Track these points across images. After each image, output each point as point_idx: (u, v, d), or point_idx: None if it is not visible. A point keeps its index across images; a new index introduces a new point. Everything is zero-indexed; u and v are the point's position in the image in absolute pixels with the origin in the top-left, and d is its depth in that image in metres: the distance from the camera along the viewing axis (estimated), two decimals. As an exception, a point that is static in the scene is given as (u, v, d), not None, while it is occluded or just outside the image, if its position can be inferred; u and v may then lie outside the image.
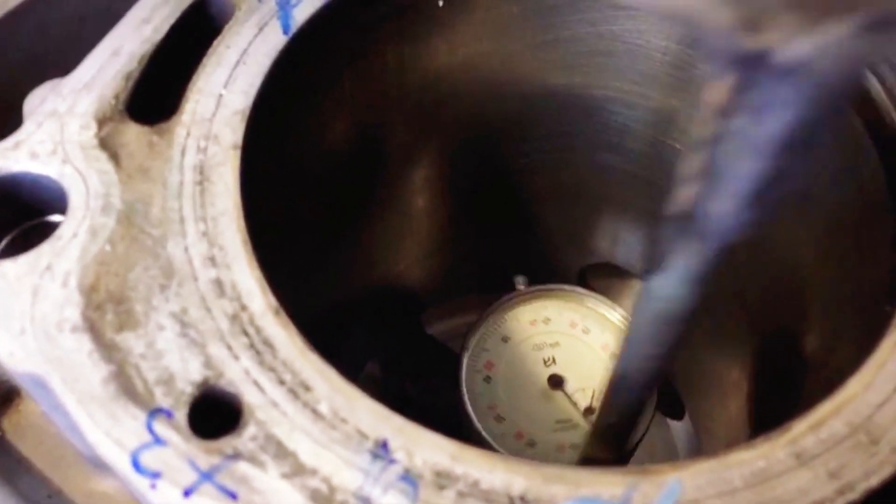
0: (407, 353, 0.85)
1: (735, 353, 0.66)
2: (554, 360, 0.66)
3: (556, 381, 0.65)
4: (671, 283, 0.31)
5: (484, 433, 0.62)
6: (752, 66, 0.20)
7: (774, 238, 0.57)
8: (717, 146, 0.25)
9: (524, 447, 0.62)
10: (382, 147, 0.60)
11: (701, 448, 0.78)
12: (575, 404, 0.64)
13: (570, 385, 0.65)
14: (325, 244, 0.61)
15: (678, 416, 0.85)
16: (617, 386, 0.41)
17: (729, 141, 0.24)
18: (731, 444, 0.36)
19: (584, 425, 0.62)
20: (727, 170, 0.25)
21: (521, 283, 0.69)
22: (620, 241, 0.75)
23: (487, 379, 0.66)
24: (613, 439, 0.46)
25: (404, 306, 0.83)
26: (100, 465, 0.37)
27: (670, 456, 0.87)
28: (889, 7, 0.19)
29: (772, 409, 0.58)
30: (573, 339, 0.67)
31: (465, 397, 0.64)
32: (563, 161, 0.69)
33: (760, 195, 0.26)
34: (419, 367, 0.82)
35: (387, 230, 0.67)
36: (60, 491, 0.43)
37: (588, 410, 0.63)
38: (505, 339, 0.67)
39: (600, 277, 0.82)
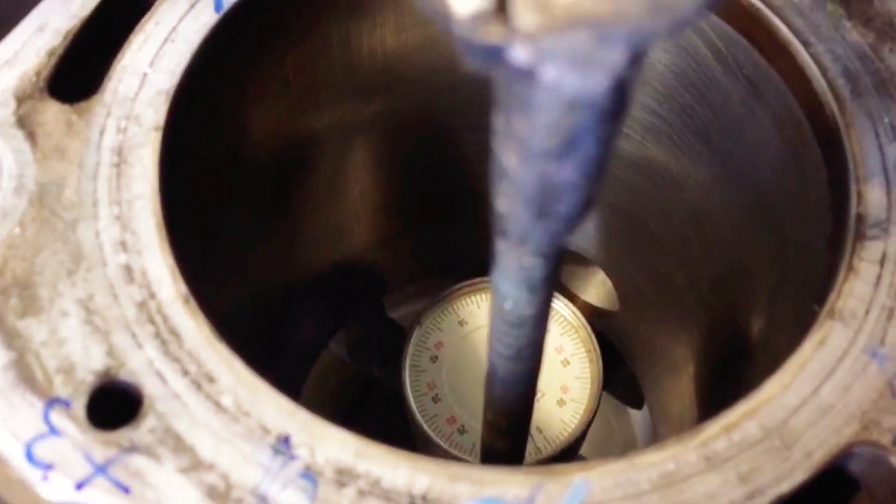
0: (372, 336, 0.84)
1: (690, 342, 0.65)
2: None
3: None
4: (508, 285, 0.31)
5: (416, 410, 0.62)
6: (491, 60, 0.19)
7: (724, 230, 0.57)
8: (495, 143, 0.24)
9: (454, 432, 0.62)
10: (325, 130, 0.58)
11: (657, 435, 0.78)
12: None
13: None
14: (267, 225, 0.60)
15: (637, 405, 0.85)
16: (490, 382, 0.40)
17: (500, 139, 0.23)
18: (681, 430, 0.35)
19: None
20: (506, 169, 0.24)
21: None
22: (577, 229, 0.73)
23: (434, 358, 0.65)
24: (508, 432, 0.45)
25: (364, 289, 0.83)
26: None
27: (629, 445, 0.87)
28: (633, 24, 0.18)
29: (715, 393, 0.58)
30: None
31: (406, 371, 0.64)
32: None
33: (549, 205, 0.25)
34: (385, 351, 0.82)
35: (334, 215, 0.66)
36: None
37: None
38: (461, 323, 0.67)
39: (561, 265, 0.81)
